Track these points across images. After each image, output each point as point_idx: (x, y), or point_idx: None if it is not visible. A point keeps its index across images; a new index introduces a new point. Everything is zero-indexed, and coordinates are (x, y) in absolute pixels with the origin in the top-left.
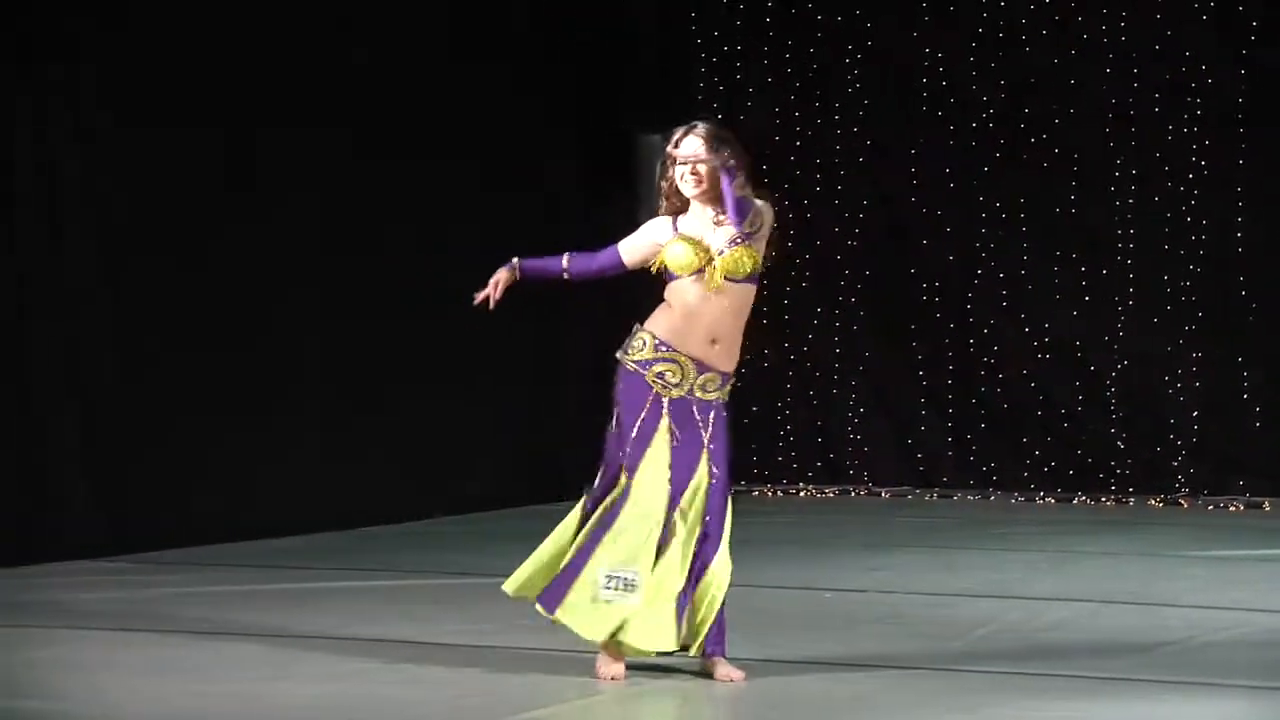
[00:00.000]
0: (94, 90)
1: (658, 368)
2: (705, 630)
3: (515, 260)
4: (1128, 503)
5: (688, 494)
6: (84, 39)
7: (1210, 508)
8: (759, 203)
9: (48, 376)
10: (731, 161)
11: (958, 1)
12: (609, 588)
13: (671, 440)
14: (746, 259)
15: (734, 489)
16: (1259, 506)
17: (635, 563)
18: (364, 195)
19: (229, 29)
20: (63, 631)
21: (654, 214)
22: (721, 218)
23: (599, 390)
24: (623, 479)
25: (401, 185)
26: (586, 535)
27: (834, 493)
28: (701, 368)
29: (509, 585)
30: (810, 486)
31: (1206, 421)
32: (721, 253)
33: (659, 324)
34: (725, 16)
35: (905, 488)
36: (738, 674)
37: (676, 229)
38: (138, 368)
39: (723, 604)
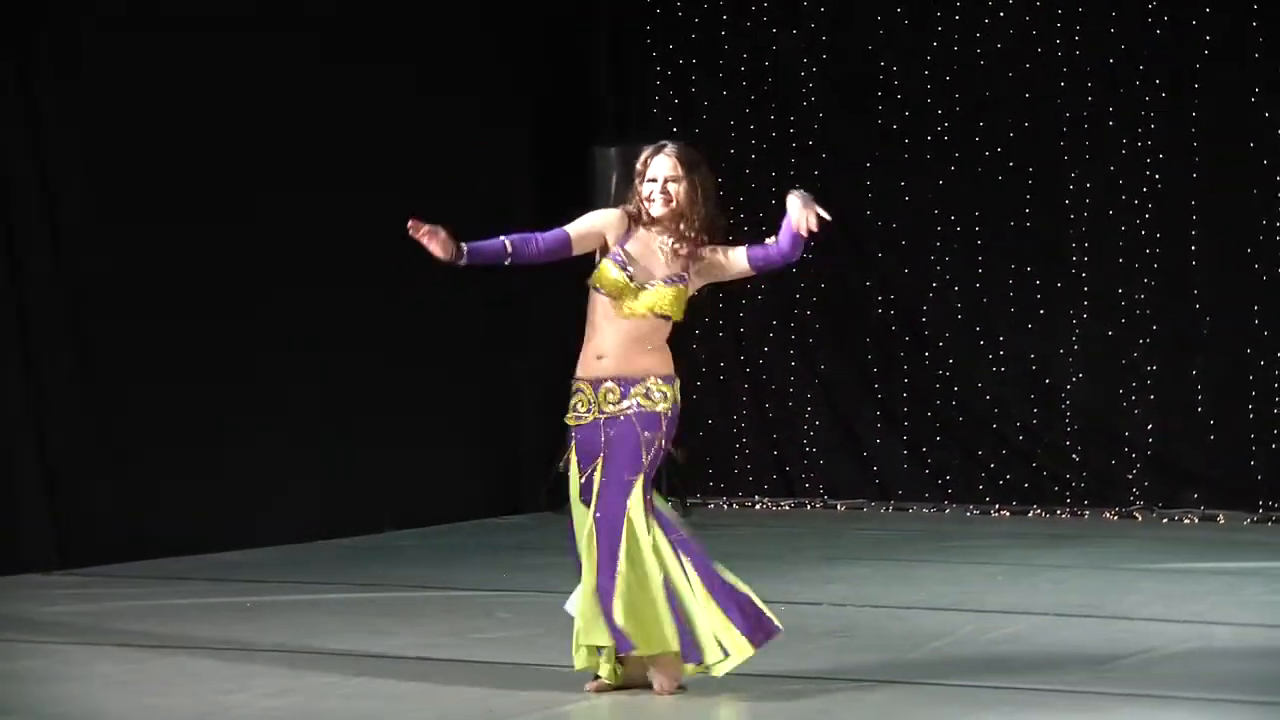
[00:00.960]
0: (55, 128)
1: (572, 401)
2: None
3: (464, 247)
4: (1083, 516)
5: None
6: (43, 75)
7: (1165, 521)
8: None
9: (6, 392)
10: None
11: (913, 16)
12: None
13: (579, 465)
14: (669, 300)
15: (689, 501)
16: (1213, 519)
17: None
18: (328, 219)
19: (196, 64)
20: (17, 645)
21: None
22: (677, 247)
23: (554, 403)
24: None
25: (359, 211)
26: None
27: (789, 505)
28: (596, 384)
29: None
30: (766, 499)
31: (1161, 435)
32: (655, 285)
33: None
34: (680, 29)
35: (860, 500)
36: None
37: (628, 237)
38: (93, 382)
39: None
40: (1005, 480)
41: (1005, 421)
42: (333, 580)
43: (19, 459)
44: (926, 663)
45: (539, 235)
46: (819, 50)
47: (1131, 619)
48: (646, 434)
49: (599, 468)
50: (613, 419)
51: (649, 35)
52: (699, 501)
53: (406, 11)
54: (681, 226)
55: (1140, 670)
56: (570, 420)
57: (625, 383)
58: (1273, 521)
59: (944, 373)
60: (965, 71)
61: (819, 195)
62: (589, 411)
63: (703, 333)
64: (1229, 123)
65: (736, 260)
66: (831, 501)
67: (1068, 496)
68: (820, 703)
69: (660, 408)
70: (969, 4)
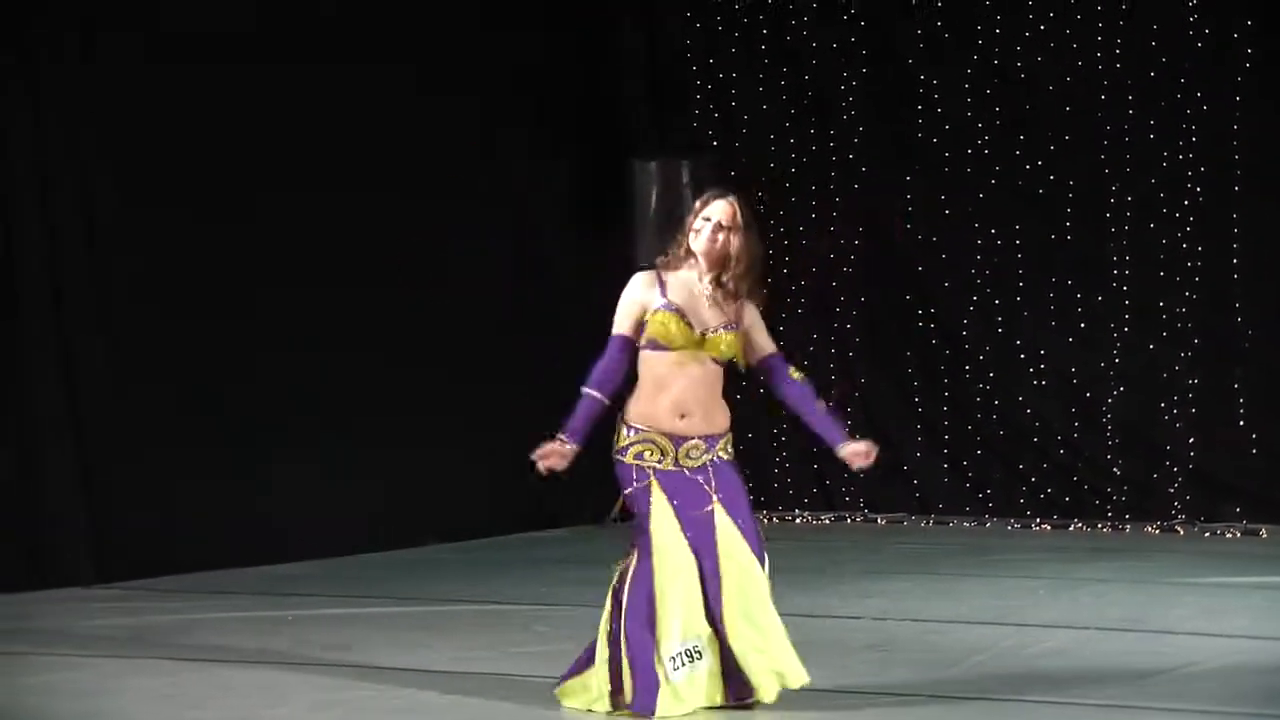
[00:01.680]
0: (94, 150)
1: (635, 449)
2: None
3: (562, 438)
4: (1124, 529)
5: (721, 547)
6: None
7: (1207, 535)
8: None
9: (45, 406)
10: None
11: (952, 29)
12: (678, 668)
13: (671, 502)
14: (732, 346)
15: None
16: (1255, 534)
17: (693, 631)
18: (359, 229)
19: (204, 74)
20: (59, 658)
21: (649, 242)
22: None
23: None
24: (633, 559)
25: (393, 219)
26: (621, 622)
27: (830, 519)
28: (677, 440)
29: (566, 699)
30: (806, 513)
31: (1202, 448)
32: (716, 332)
33: (630, 410)
34: (720, 44)
35: (901, 514)
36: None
37: (665, 294)
38: (134, 395)
39: None
40: (1046, 494)
41: (1046, 435)
42: (373, 594)
43: (63, 475)
44: (967, 677)
45: (602, 362)
46: (859, 64)
47: (1174, 633)
48: (732, 485)
49: (720, 513)
50: (700, 468)
51: (689, 50)
52: None
53: (412, 13)
54: (721, 273)
55: (1182, 685)
56: (644, 465)
57: (710, 439)
58: None
59: (985, 386)
60: (1006, 85)
61: (860, 208)
62: (662, 461)
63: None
64: (1270, 136)
65: (758, 349)
66: (872, 515)
67: (1109, 510)
68: (861, 716)
69: (732, 456)
70: (1010, 18)
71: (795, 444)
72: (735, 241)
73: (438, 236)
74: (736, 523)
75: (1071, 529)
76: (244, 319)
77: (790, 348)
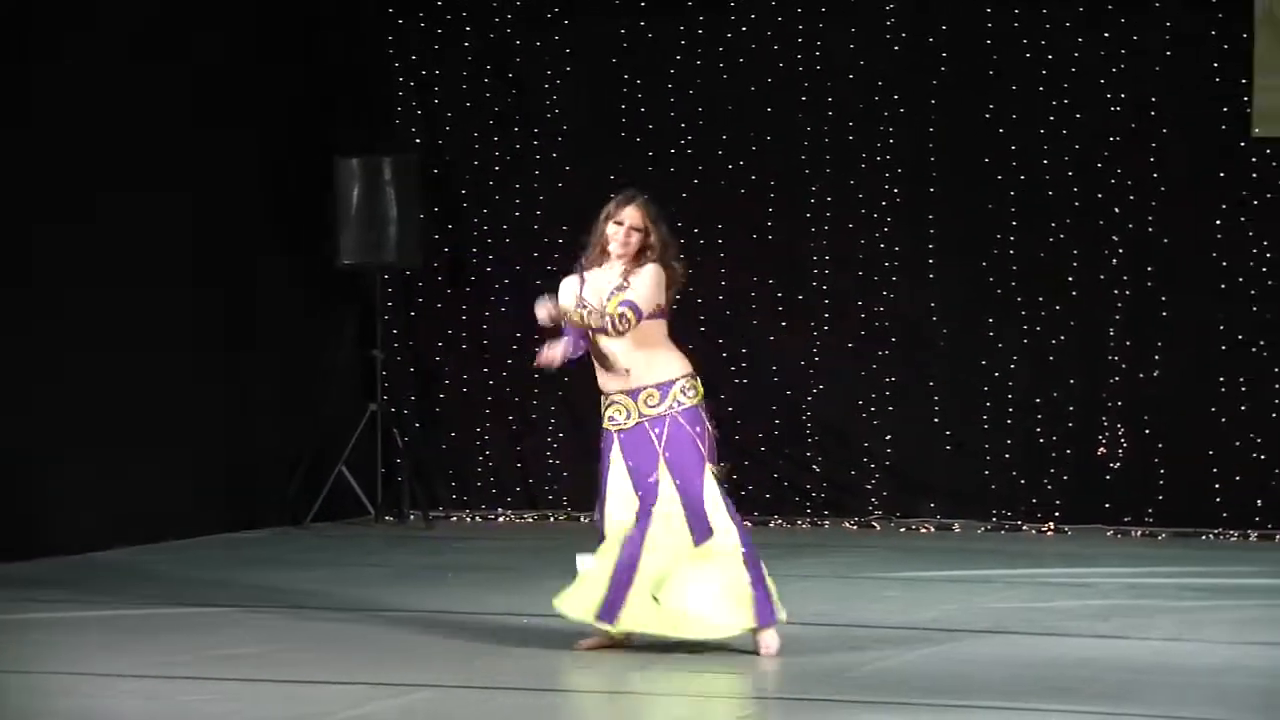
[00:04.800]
0: None
1: (608, 413)
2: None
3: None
4: (823, 526)
5: (659, 504)
6: None
7: (902, 530)
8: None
9: None
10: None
11: (657, 29)
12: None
13: (627, 463)
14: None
15: (431, 515)
16: (949, 529)
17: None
18: (52, 224)
19: None
20: None
21: (351, 239)
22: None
23: (292, 417)
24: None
25: (101, 217)
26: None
27: (533, 518)
28: (633, 394)
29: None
30: (509, 512)
31: (898, 446)
32: (605, 302)
33: (599, 385)
34: (424, 40)
35: None
36: (775, 644)
37: (581, 291)
38: None
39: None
40: (747, 491)
41: (747, 432)
42: (68, 598)
43: None
44: (666, 674)
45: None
46: (563, 63)
47: (871, 627)
48: (696, 429)
49: (664, 474)
50: (657, 420)
51: (391, 46)
52: (441, 514)
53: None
54: (632, 264)
55: (878, 677)
56: (610, 426)
57: (663, 386)
58: (1005, 530)
59: None
60: (708, 85)
61: (565, 207)
62: (628, 418)
63: (445, 344)
64: (964, 137)
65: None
66: (575, 514)
67: (808, 507)
68: (559, 716)
69: (695, 402)
70: (711, 18)
71: (499, 441)
72: (643, 241)
73: (136, 231)
74: (679, 490)
75: (772, 525)
76: None
77: (494, 346)
